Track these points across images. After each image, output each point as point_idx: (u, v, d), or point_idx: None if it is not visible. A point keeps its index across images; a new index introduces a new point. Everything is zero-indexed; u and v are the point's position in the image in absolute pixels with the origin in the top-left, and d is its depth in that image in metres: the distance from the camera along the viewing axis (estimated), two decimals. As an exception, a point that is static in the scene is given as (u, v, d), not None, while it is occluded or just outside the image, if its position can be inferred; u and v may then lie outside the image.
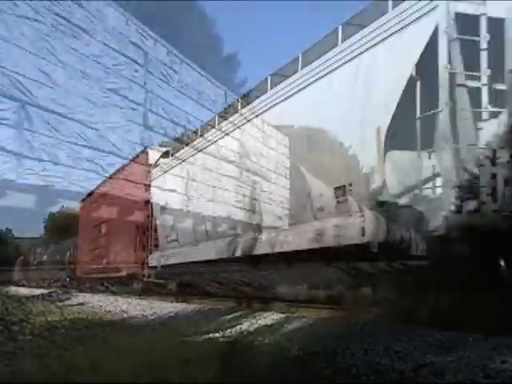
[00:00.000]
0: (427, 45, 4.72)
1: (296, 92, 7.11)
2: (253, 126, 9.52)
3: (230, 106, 9.84)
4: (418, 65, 4.81)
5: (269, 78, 8.29)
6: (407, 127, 4.99)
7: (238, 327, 3.72)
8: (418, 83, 4.89)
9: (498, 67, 4.50)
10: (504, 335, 3.16)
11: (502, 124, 4.30)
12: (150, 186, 12.33)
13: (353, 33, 5.89)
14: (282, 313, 4.59)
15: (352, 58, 5.80)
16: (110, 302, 5.38)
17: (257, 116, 8.62)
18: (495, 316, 3.68)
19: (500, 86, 4.53)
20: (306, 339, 3.28)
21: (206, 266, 9.82)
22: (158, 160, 12.34)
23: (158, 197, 12.27)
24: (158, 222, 12.39)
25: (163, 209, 12.13)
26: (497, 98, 4.52)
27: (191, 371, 2.35)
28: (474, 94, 4.56)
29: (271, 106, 8.03)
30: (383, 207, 5.41)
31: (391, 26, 5.20)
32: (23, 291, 6.68)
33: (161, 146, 11.87)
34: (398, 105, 4.93)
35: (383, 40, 5.32)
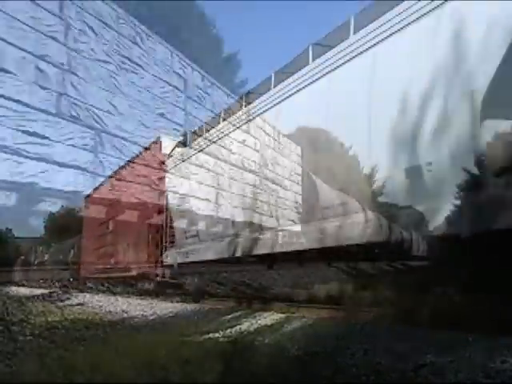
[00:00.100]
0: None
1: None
2: (270, 136, 10.77)
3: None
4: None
5: (271, 77, 8.51)
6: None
7: (238, 327, 3.72)
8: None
9: None
10: (504, 335, 3.16)
11: None
12: (164, 177, 11.70)
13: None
14: (282, 313, 4.59)
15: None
16: (111, 302, 5.38)
17: (287, 98, 8.38)
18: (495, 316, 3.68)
19: None
20: (306, 339, 3.28)
21: (223, 265, 10.34)
22: (174, 149, 11.78)
23: (174, 188, 11.74)
24: (174, 216, 11.77)
25: (181, 201, 11.59)
26: None
27: (191, 371, 2.35)
28: None
29: (314, 80, 7.51)
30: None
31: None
32: (23, 291, 6.65)
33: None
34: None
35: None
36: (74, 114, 6.74)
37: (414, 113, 5.51)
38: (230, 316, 4.35)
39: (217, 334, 3.44)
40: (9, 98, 5.95)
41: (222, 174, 10.71)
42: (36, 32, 6.08)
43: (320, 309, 5.25)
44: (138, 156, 10.56)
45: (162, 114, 8.71)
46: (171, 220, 12.05)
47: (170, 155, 11.75)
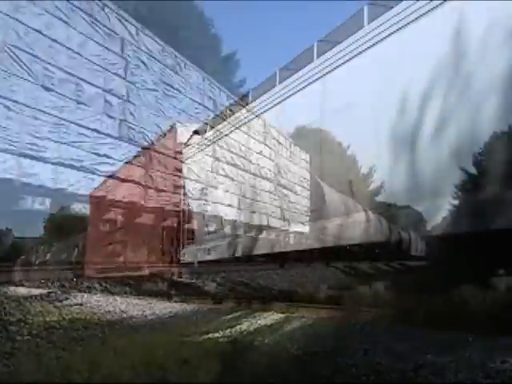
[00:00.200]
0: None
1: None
2: (283, 146, 12.64)
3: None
4: None
5: (276, 74, 8.78)
6: None
7: (238, 327, 3.70)
8: None
9: None
10: (504, 335, 3.16)
11: None
12: (181, 167, 11.11)
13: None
14: (282, 313, 4.58)
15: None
16: (109, 302, 5.36)
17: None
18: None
19: None
20: (306, 339, 3.27)
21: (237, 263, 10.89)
22: (191, 138, 11.51)
23: (193, 179, 11.34)
24: (194, 210, 11.29)
25: (203, 193, 11.22)
26: None
27: (191, 371, 2.33)
28: None
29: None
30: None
31: None
32: (22, 291, 6.65)
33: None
34: None
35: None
36: (131, 136, 8.49)
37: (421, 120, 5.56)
38: (230, 316, 4.34)
39: (217, 334, 3.42)
40: (85, 127, 7.54)
41: (242, 181, 11.87)
42: (104, 70, 7.71)
43: (320, 309, 5.25)
44: (152, 145, 10.15)
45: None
46: (190, 214, 11.59)
47: (186, 144, 11.54)
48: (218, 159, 11.47)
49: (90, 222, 14.12)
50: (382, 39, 6.07)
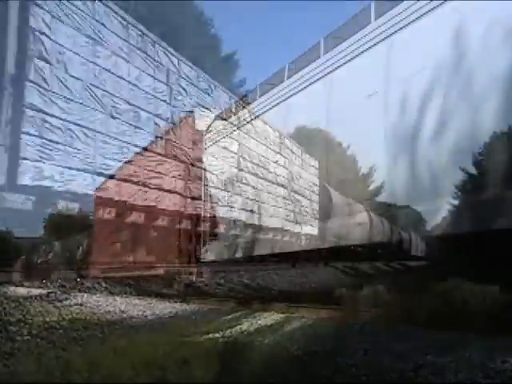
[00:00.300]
0: None
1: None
2: (296, 155, 13.95)
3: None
4: None
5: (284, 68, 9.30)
6: None
7: (238, 327, 3.70)
8: None
9: None
10: (504, 335, 3.17)
11: None
12: (201, 157, 11.02)
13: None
14: (282, 313, 4.58)
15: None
16: (109, 302, 5.35)
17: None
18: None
19: None
20: (306, 339, 3.27)
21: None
22: (212, 124, 11.49)
23: (216, 168, 11.56)
24: (217, 203, 11.31)
25: (229, 183, 11.43)
26: None
27: (191, 371, 2.33)
28: None
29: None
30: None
31: None
32: (21, 291, 6.59)
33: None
34: None
35: None
36: (174, 153, 9.90)
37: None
38: (230, 316, 4.34)
39: (217, 334, 3.42)
40: (142, 147, 8.97)
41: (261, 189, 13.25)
42: (154, 98, 9.07)
43: (320, 309, 5.25)
44: (170, 131, 10.33)
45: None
46: (212, 207, 11.49)
47: (208, 130, 11.63)
48: (239, 169, 12.48)
49: (97, 218, 12.43)
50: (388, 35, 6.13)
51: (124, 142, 8.37)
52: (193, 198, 11.15)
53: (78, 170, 7.63)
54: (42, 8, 6.73)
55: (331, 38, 7.94)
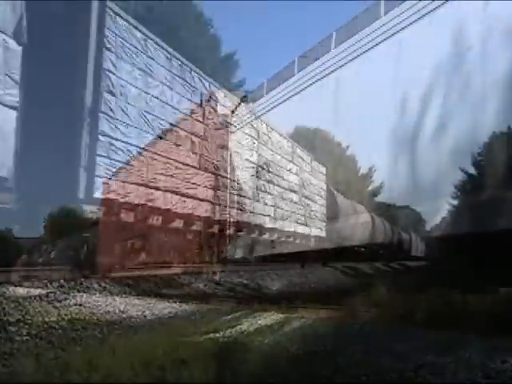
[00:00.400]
0: None
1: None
2: (306, 162, 16.02)
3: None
4: None
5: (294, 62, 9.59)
6: None
7: (238, 327, 3.70)
8: None
9: None
10: (504, 335, 3.17)
11: None
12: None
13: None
14: (282, 313, 4.58)
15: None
16: (108, 302, 5.35)
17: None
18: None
19: None
20: (306, 339, 3.27)
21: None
22: (239, 106, 12.03)
23: (239, 177, 12.28)
24: (240, 209, 11.84)
25: (250, 191, 12.10)
26: None
27: (190, 371, 2.33)
28: None
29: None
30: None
31: None
32: (20, 291, 6.56)
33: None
34: None
35: None
36: (205, 166, 11.10)
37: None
38: (229, 316, 4.34)
39: (217, 334, 3.42)
40: (181, 162, 10.40)
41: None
42: (191, 118, 10.67)
43: (319, 309, 5.26)
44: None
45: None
46: (240, 199, 12.01)
47: (233, 112, 12.29)
48: (258, 177, 13.79)
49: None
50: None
51: (167, 158, 9.79)
52: (219, 205, 11.95)
53: (134, 183, 8.93)
54: (110, 50, 8.28)
55: (342, 31, 8.11)
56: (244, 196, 12.62)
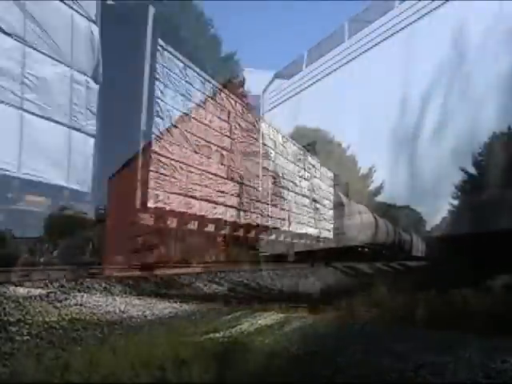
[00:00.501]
0: None
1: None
2: (316, 169, 17.91)
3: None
4: None
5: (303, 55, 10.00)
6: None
7: (238, 327, 3.70)
8: None
9: None
10: (504, 335, 3.17)
11: None
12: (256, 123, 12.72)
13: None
14: (282, 313, 4.58)
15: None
16: (109, 302, 5.35)
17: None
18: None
19: None
20: (306, 339, 3.27)
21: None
22: (271, 83, 12.71)
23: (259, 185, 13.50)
24: (261, 214, 13.47)
25: (267, 196, 13.90)
26: None
27: (190, 371, 2.33)
28: None
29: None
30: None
31: None
32: (21, 291, 6.53)
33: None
34: None
35: None
36: (231, 176, 12.13)
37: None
38: (229, 316, 4.33)
39: (217, 334, 3.42)
40: (213, 173, 11.35)
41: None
42: (221, 134, 11.80)
43: (319, 309, 5.26)
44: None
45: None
46: (260, 204, 13.29)
47: (264, 90, 13.42)
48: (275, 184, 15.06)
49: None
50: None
51: (202, 170, 10.68)
52: (244, 211, 12.90)
53: (177, 194, 9.85)
54: (159, 80, 9.53)
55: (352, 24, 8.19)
56: (263, 202, 13.83)
